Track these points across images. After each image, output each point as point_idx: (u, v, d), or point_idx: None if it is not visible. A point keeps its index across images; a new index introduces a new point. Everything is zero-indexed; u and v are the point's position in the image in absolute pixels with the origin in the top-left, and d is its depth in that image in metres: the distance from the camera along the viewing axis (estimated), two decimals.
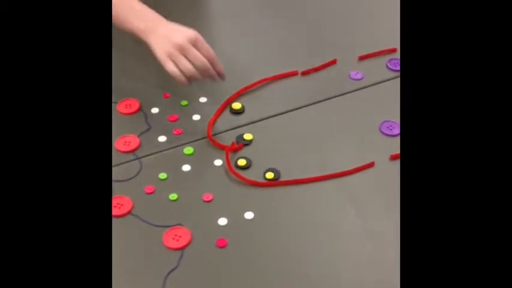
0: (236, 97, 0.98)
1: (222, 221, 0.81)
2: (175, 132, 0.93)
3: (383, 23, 1.13)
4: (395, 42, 1.04)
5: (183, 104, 0.97)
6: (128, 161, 0.89)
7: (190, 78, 0.89)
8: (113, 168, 0.87)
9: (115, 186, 0.85)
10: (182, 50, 0.87)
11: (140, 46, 1.06)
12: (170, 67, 0.88)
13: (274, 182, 0.86)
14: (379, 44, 1.07)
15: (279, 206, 0.84)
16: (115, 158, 0.88)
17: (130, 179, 0.86)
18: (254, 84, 1.00)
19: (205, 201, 0.84)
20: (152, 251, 0.78)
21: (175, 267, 0.76)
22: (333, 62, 1.05)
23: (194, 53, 0.87)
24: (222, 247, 0.79)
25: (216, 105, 0.96)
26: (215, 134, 0.93)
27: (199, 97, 0.98)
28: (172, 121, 0.94)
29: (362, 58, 1.06)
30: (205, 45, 0.89)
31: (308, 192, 0.85)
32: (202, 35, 0.89)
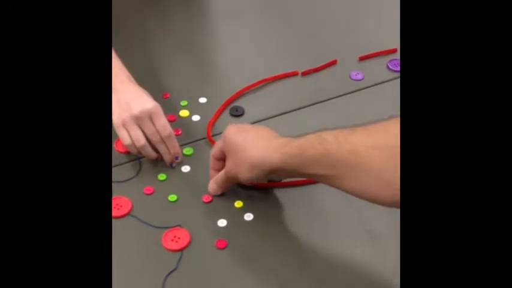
0: (236, 97, 0.98)
1: (222, 223, 0.81)
2: (175, 133, 0.92)
3: (383, 23, 1.13)
4: (395, 42, 1.04)
5: (183, 104, 0.97)
6: (127, 162, 0.88)
7: (141, 149, 0.86)
8: (112, 169, 0.87)
9: (114, 186, 0.84)
10: (138, 121, 0.85)
11: (138, 46, 1.06)
12: (122, 134, 0.85)
13: (274, 184, 0.86)
14: (379, 44, 1.07)
15: (278, 208, 0.83)
16: (114, 159, 0.88)
17: (129, 179, 0.86)
18: (254, 84, 1.00)
19: (204, 202, 0.83)
20: (151, 252, 0.78)
21: (175, 269, 0.76)
22: (334, 63, 1.05)
23: (149, 126, 0.85)
24: (221, 248, 0.78)
25: (216, 106, 0.96)
26: (215, 135, 0.92)
27: (199, 97, 0.98)
28: (172, 121, 0.94)
29: (362, 59, 1.05)
30: (163, 120, 0.86)
31: (308, 194, 0.85)
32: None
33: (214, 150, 0.83)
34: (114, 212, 0.81)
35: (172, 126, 0.93)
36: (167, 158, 0.87)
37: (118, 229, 0.80)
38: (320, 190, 0.85)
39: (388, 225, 0.80)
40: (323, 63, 1.04)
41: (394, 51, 1.07)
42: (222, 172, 0.82)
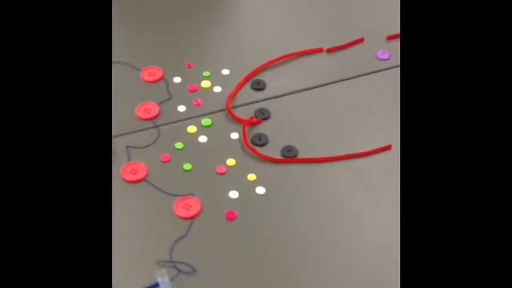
0: (259, 71, 0.98)
1: (233, 194, 0.82)
2: (195, 103, 0.93)
3: None
4: None
5: (206, 74, 0.97)
6: (146, 129, 0.90)
7: None
8: (131, 135, 0.89)
9: (131, 152, 0.86)
10: None
11: (164, 17, 1.07)
12: None
13: (289, 159, 0.86)
14: None
15: (291, 184, 0.84)
16: (134, 124, 0.90)
17: (147, 146, 0.88)
18: (278, 58, 1.00)
19: (218, 174, 0.84)
20: (162, 218, 0.80)
21: (184, 236, 0.78)
22: (360, 41, 1.04)
23: None
24: (231, 220, 0.79)
25: (239, 78, 0.96)
26: (234, 107, 0.93)
27: (222, 69, 0.98)
28: (193, 91, 0.95)
29: (390, 38, 1.04)
30: None
31: (322, 172, 0.85)
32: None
33: None
34: (130, 177, 0.83)
35: (193, 96, 0.94)
36: None
37: (132, 193, 0.82)
38: (333, 168, 0.86)
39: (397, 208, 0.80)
40: (349, 41, 1.03)
41: None
42: None
